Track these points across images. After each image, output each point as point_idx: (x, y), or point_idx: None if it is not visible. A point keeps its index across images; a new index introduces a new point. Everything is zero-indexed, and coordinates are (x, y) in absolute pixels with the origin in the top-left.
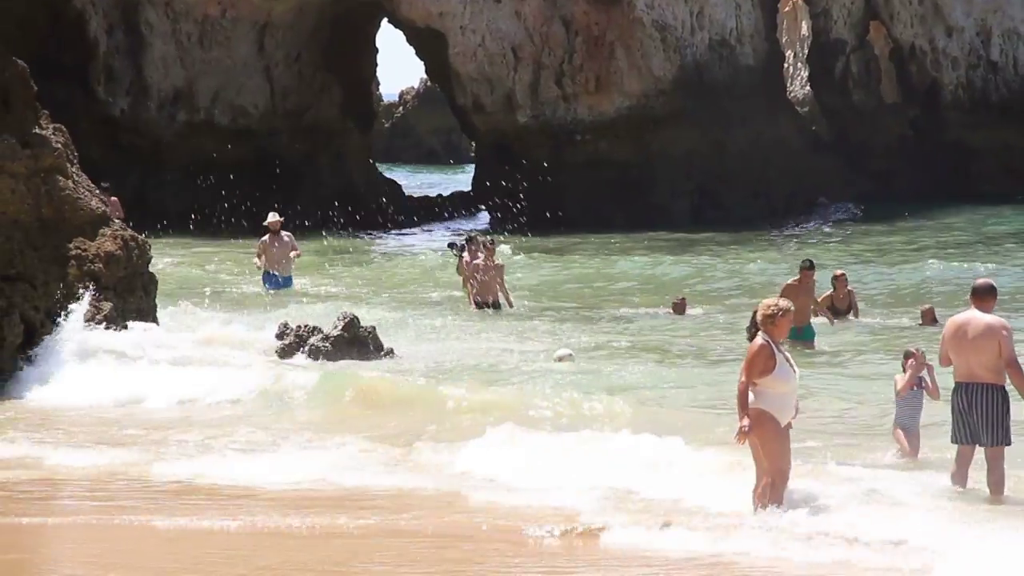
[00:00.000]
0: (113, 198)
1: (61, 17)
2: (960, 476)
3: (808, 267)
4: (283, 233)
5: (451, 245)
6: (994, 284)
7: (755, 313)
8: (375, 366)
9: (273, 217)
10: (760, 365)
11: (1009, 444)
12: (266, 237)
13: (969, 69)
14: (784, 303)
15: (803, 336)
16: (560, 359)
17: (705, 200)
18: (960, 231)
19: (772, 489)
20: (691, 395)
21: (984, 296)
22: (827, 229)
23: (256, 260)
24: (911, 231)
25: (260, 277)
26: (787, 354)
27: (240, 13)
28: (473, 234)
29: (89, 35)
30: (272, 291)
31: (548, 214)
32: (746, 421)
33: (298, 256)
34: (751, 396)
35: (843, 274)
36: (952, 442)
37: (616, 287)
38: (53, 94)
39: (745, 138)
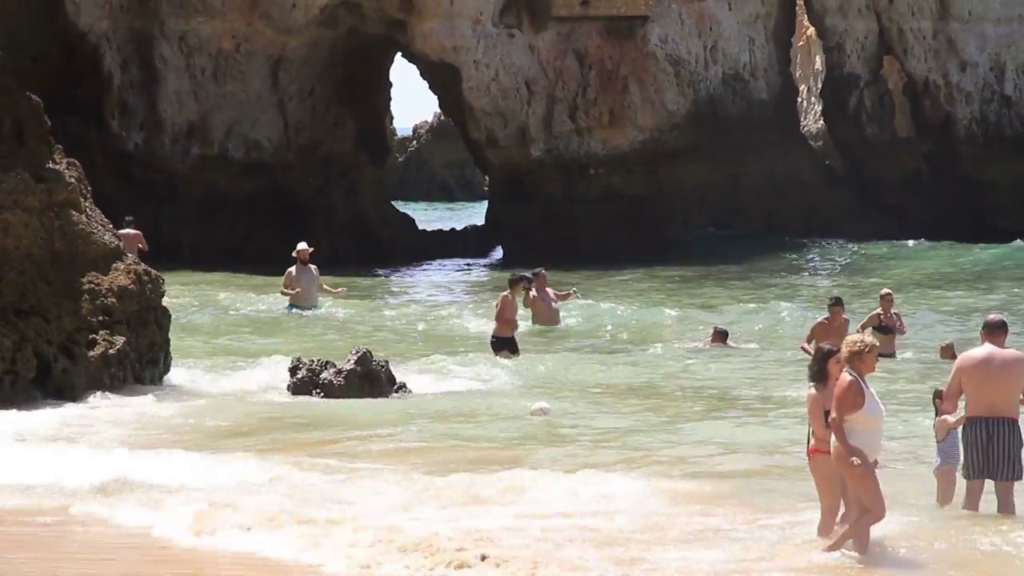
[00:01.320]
0: (137, 231)
1: (75, 52)
2: (974, 508)
3: (835, 303)
4: (311, 265)
5: (520, 279)
6: (1004, 319)
7: (818, 351)
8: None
9: (303, 246)
10: (850, 401)
11: (1020, 479)
12: (293, 268)
13: (983, 104)
14: (869, 339)
15: None
16: (535, 413)
17: (718, 233)
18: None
19: (858, 526)
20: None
21: (996, 331)
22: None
23: (284, 290)
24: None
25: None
26: (873, 390)
27: (254, 47)
28: (538, 270)
29: (103, 70)
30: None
31: (562, 247)
32: (855, 460)
33: (339, 294)
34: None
35: (889, 293)
36: (964, 477)
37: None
38: (67, 129)
39: (758, 172)
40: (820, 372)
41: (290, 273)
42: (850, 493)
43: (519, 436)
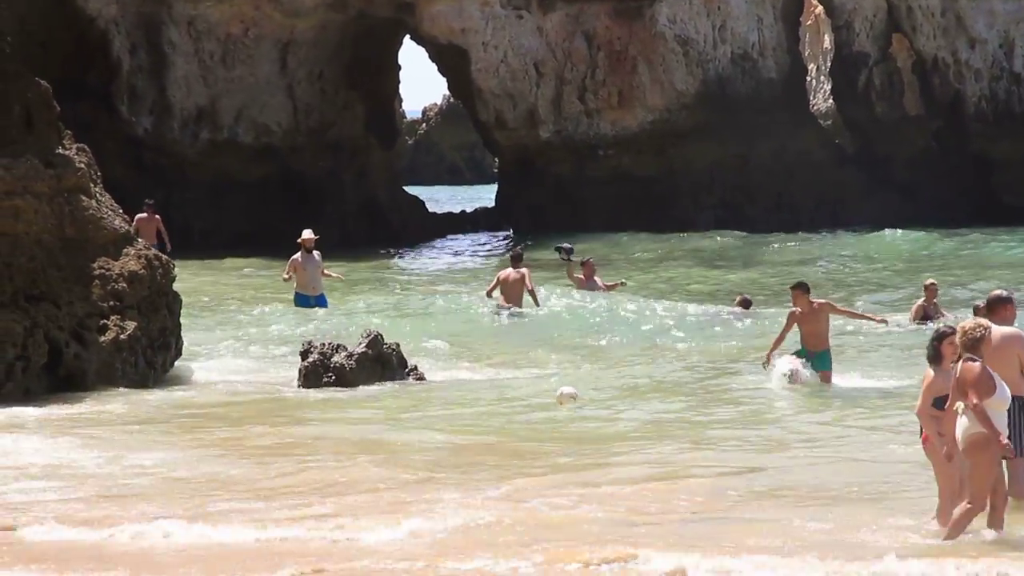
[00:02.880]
0: (155, 215)
1: (84, 37)
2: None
3: (799, 287)
4: (314, 252)
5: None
6: (1007, 294)
7: (934, 333)
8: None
9: (308, 233)
10: (986, 386)
11: None
12: (298, 255)
13: (992, 81)
14: (983, 321)
15: (819, 364)
16: (563, 398)
17: (728, 213)
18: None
19: (963, 516)
20: None
21: (995, 307)
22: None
23: (285, 276)
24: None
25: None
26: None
27: (263, 31)
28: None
29: (112, 55)
30: (305, 310)
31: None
32: (1003, 440)
33: (339, 279)
34: (965, 420)
35: (934, 283)
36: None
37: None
38: (76, 114)
39: (768, 151)
40: (936, 354)
41: (295, 260)
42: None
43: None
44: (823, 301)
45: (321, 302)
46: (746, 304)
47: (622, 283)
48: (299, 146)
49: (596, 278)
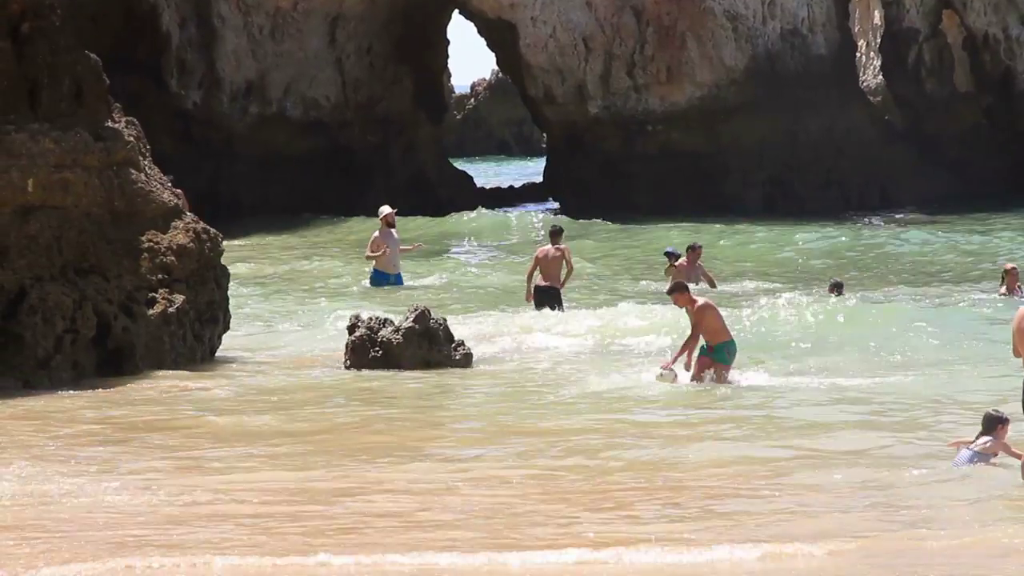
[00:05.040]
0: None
1: (134, 11)
2: None
3: (675, 290)
4: (393, 229)
5: (668, 253)
6: None
7: None
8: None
9: (387, 209)
10: None
11: None
12: (377, 232)
13: None
14: None
15: (717, 358)
16: (663, 377)
17: (777, 190)
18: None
19: None
20: None
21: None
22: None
23: (368, 253)
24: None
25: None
26: None
27: (312, 5)
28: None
29: (161, 29)
30: (380, 288)
31: (620, 204)
32: None
33: (415, 248)
34: None
35: (1015, 267)
36: None
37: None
38: (126, 88)
39: (817, 128)
40: None
41: (375, 238)
42: None
43: None
44: (706, 301)
45: (398, 280)
46: (838, 288)
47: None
48: (347, 120)
49: (700, 263)
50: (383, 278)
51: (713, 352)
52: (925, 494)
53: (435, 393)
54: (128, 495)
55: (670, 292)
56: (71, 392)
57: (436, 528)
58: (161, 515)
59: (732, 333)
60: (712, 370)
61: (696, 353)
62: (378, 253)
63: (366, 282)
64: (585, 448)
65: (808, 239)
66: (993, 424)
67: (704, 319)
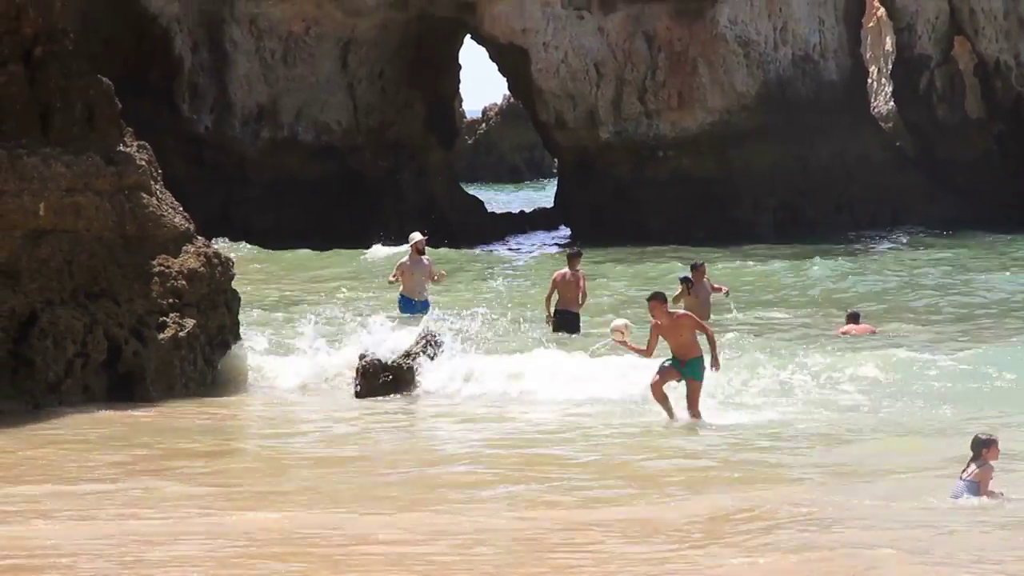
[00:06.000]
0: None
1: (146, 35)
2: None
3: (655, 298)
4: (424, 256)
5: (683, 280)
6: None
7: None
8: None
9: (418, 236)
10: None
11: None
12: (406, 258)
13: None
14: None
15: (688, 372)
16: (616, 331)
17: (788, 215)
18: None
19: None
20: None
21: None
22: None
23: (391, 278)
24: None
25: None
26: None
27: (324, 30)
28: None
29: (174, 53)
30: (408, 316)
31: (631, 230)
32: None
33: (440, 279)
34: None
35: None
36: None
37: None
38: (138, 111)
39: (828, 154)
40: None
41: (403, 263)
42: None
43: None
44: (683, 313)
45: (425, 307)
46: (855, 318)
47: (725, 291)
48: (359, 145)
49: (706, 280)
50: (409, 304)
51: (685, 367)
52: None
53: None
54: None
55: (649, 299)
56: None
57: None
58: None
59: None
60: (678, 382)
61: (662, 362)
62: (393, 277)
63: (394, 311)
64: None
65: (826, 268)
66: (979, 448)
67: (681, 332)
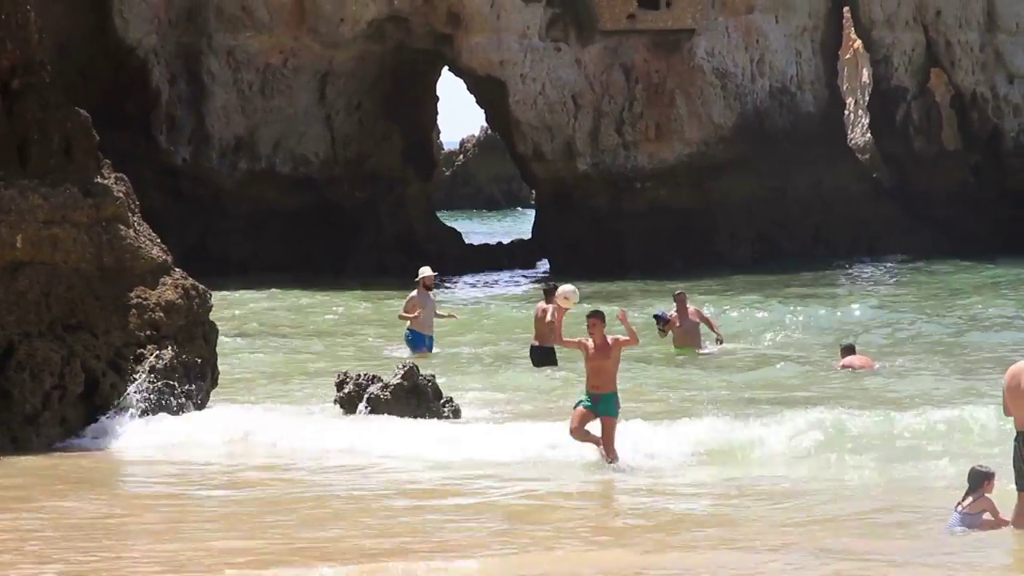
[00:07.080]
0: None
1: (124, 67)
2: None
3: (596, 315)
4: (431, 292)
5: (657, 317)
6: None
7: None
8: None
9: (427, 271)
10: None
11: None
12: (415, 293)
13: None
14: None
15: (603, 409)
16: (564, 298)
17: (765, 246)
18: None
19: None
20: None
21: None
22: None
23: (402, 314)
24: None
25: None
26: None
27: (301, 62)
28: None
29: (152, 84)
30: (417, 354)
31: (609, 261)
32: None
33: (451, 317)
34: None
35: None
36: (1019, 490)
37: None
38: (115, 143)
39: (805, 185)
40: None
41: (412, 298)
42: None
43: None
44: (624, 339)
45: (431, 343)
46: (850, 350)
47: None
48: (337, 177)
49: (689, 306)
50: (419, 339)
51: (599, 403)
52: None
53: None
54: None
55: (590, 316)
56: None
57: None
58: None
59: None
60: (594, 421)
61: (574, 405)
62: (413, 315)
63: (402, 347)
64: None
65: (807, 300)
66: (980, 480)
67: (609, 356)
